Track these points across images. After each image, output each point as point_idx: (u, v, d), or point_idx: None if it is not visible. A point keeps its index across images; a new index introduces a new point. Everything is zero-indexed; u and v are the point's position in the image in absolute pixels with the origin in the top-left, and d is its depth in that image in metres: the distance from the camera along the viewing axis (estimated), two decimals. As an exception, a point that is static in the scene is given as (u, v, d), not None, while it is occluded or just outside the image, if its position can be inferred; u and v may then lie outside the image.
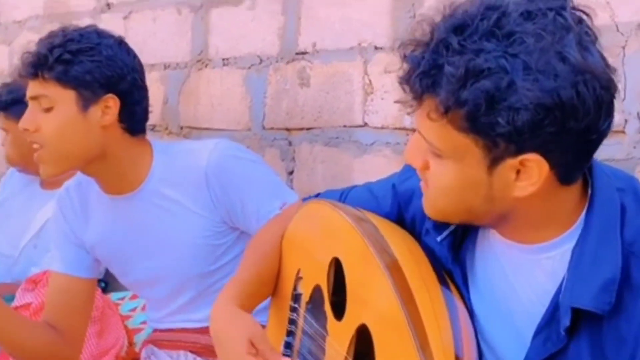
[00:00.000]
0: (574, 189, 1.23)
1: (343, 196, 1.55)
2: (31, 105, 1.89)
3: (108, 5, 3.36)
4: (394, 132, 2.34)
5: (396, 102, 1.24)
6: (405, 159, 1.29)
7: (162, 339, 2.11)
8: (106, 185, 1.97)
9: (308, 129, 2.58)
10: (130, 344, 2.46)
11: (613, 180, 1.24)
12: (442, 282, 1.31)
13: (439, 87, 1.14)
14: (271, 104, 2.69)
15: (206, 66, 2.93)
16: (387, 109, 2.35)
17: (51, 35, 1.89)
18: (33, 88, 1.87)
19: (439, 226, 1.33)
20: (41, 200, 2.75)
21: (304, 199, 1.66)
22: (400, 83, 1.20)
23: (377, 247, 1.32)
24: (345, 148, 2.47)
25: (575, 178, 1.21)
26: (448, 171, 1.20)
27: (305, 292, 1.51)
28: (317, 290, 1.47)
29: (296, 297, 1.54)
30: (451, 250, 1.33)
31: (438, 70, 1.14)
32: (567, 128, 1.13)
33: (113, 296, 2.60)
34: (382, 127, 2.37)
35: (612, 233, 1.19)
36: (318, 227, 1.52)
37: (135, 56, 1.95)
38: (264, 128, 2.72)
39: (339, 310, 1.39)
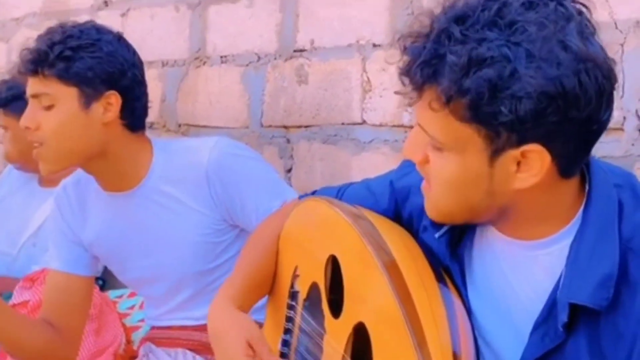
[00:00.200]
0: (572, 184, 1.23)
1: (340, 193, 1.55)
2: (31, 103, 1.88)
3: (106, 2, 3.36)
4: (392, 130, 2.34)
5: (396, 93, 1.23)
6: (404, 153, 1.29)
7: (160, 337, 2.11)
8: (105, 183, 1.97)
9: (306, 126, 2.57)
10: (128, 341, 2.45)
11: (610, 177, 1.24)
12: (440, 279, 1.31)
13: (441, 76, 1.13)
14: (269, 101, 2.69)
15: (204, 63, 2.93)
16: (385, 107, 2.34)
17: (50, 31, 1.88)
18: (33, 85, 1.86)
19: (438, 223, 1.33)
20: (40, 198, 2.75)
21: (301, 197, 1.66)
22: (401, 75, 1.19)
23: (374, 245, 1.32)
24: (344, 146, 2.46)
25: (574, 171, 1.21)
26: (449, 164, 1.20)
27: (303, 289, 1.51)
28: (314, 287, 1.47)
29: (293, 295, 1.53)
30: (449, 247, 1.33)
31: (440, 59, 1.14)
32: (569, 117, 1.13)
33: (111, 294, 2.60)
34: (380, 125, 2.37)
35: (609, 229, 1.19)
36: (315, 225, 1.52)
37: (134, 52, 1.94)
38: (262, 126, 2.72)
39: (336, 308, 1.39)
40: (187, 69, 2.99)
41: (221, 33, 2.87)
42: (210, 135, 2.20)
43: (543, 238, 1.24)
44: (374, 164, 2.36)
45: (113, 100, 1.87)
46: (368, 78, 2.39)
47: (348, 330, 1.34)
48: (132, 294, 2.56)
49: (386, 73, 2.33)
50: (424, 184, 1.29)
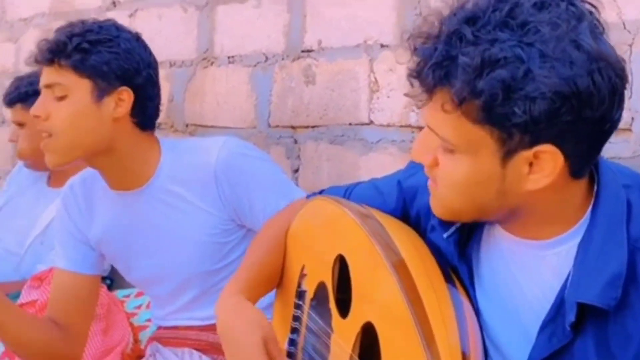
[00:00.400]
0: (582, 185, 1.23)
1: (347, 192, 1.55)
2: (44, 92, 1.88)
3: (114, 3, 3.37)
4: (400, 130, 2.33)
5: (406, 95, 1.23)
6: (413, 156, 1.28)
7: (166, 337, 2.11)
8: (112, 180, 1.97)
9: (313, 126, 2.57)
10: (136, 341, 2.45)
11: (619, 177, 1.24)
12: (448, 279, 1.31)
13: (454, 78, 1.13)
14: (277, 101, 2.69)
15: (212, 64, 2.93)
16: (392, 107, 2.34)
17: (70, 24, 1.90)
18: (48, 75, 1.87)
19: (446, 223, 1.32)
20: (48, 198, 2.75)
21: (308, 196, 1.66)
22: (410, 76, 1.19)
23: (383, 245, 1.32)
24: (351, 146, 2.46)
25: (585, 171, 1.21)
26: (461, 166, 1.19)
27: (310, 289, 1.51)
28: (321, 287, 1.47)
29: (300, 294, 1.53)
30: (457, 247, 1.33)
31: (451, 61, 1.13)
32: (583, 117, 1.12)
33: (119, 293, 2.60)
34: (387, 125, 2.36)
35: (618, 229, 1.19)
36: (322, 224, 1.52)
37: (151, 53, 1.95)
38: (269, 126, 2.72)
39: (344, 308, 1.39)
40: (194, 69, 2.99)
41: (229, 33, 2.87)
42: (218, 136, 2.20)
43: (551, 238, 1.24)
44: (381, 165, 2.36)
45: (125, 96, 1.88)
46: (375, 78, 2.39)
47: (356, 329, 1.33)
48: (139, 294, 2.56)
49: (394, 73, 2.33)
50: (430, 182, 1.29)
